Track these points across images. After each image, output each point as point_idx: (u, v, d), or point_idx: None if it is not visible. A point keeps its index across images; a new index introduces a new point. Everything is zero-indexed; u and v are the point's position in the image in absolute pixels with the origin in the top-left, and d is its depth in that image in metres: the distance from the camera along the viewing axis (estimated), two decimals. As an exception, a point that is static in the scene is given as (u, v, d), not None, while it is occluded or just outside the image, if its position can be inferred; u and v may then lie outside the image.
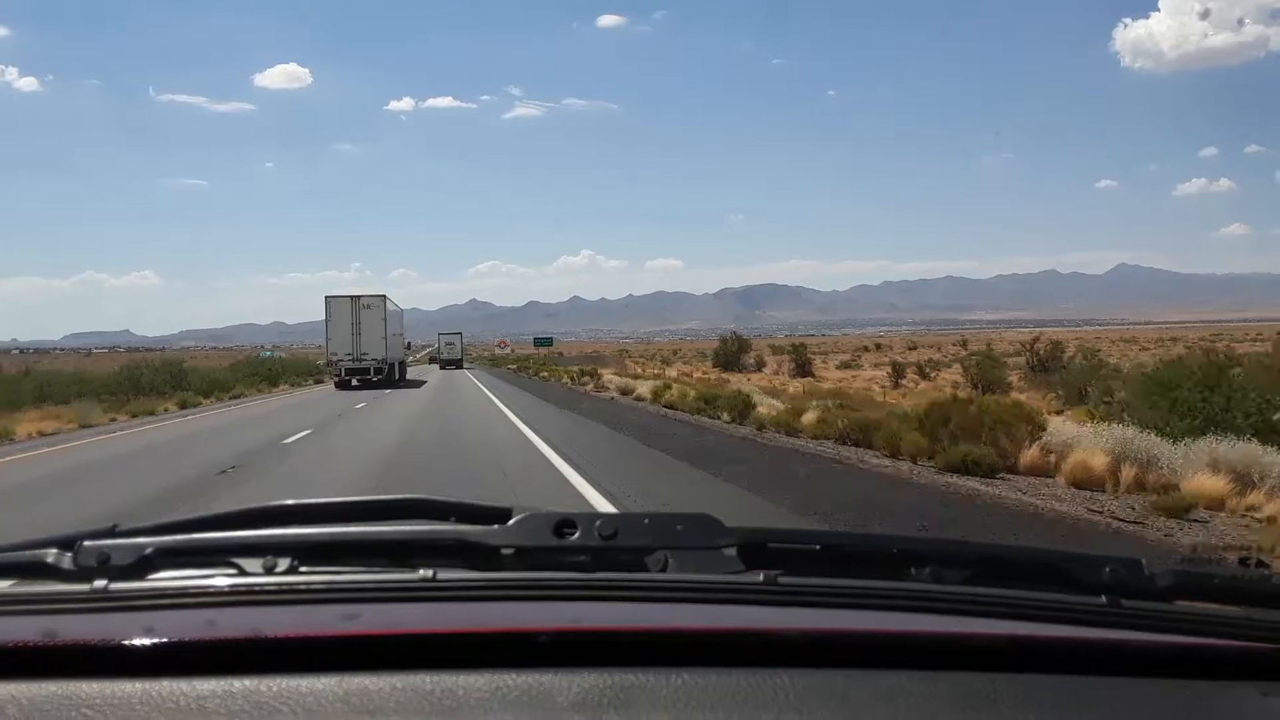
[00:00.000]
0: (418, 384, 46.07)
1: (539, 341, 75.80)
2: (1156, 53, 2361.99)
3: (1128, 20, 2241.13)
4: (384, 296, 44.31)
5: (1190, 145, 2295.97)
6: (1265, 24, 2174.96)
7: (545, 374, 54.96)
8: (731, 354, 69.84)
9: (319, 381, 53.82)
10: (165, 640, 1.04)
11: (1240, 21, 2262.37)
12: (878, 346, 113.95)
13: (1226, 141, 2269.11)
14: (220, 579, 1.20)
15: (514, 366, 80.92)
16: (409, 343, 67.78)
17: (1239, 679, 1.11)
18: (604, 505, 9.01)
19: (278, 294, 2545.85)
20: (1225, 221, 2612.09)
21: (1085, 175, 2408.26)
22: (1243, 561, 1.34)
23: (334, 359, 42.81)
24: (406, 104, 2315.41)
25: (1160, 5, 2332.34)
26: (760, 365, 68.41)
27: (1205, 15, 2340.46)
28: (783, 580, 1.16)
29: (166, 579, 1.20)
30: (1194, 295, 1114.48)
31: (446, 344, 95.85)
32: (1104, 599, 1.17)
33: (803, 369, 59.41)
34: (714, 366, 66.75)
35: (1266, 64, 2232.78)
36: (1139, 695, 1.06)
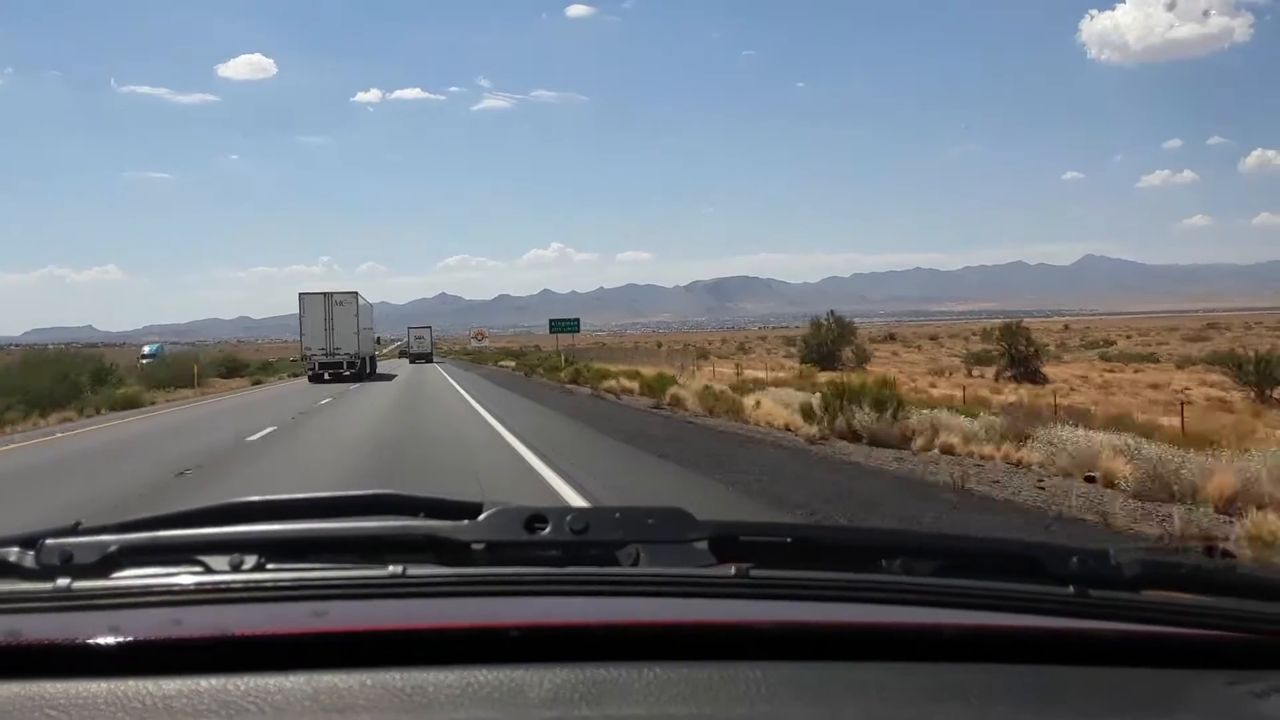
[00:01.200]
0: (388, 377, 46.17)
1: (560, 326, 47.94)
2: (1122, 45, 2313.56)
3: (1094, 12, 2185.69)
4: (355, 293, 45.98)
5: (1154, 137, 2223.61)
6: (1230, 15, 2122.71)
7: (613, 382, 28.24)
8: (827, 345, 50.64)
9: (149, 403, 29.47)
10: (130, 639, 1.03)
11: (1205, 13, 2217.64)
12: (891, 337, 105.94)
13: (1190, 133, 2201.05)
14: (186, 577, 1.18)
15: (512, 364, 59.34)
16: (379, 337, 67.58)
17: (1206, 668, 1.12)
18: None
19: (244, 288, 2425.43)
20: (1188, 213, 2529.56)
21: (1052, 167, 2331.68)
22: (1208, 551, 1.35)
23: (308, 353, 44.62)
24: (374, 95, 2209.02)
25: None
26: (862, 359, 49.86)
27: (1171, 6, 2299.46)
28: (754, 573, 1.16)
29: (131, 577, 1.18)
30: (1158, 285, 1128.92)
31: (416, 338, 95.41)
32: (1072, 589, 1.18)
33: (1029, 369, 38.44)
34: (802, 363, 48.24)
35: (1230, 56, 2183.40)
36: (1108, 685, 1.07)
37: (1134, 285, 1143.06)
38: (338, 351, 44.06)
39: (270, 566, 1.20)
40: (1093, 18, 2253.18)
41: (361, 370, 44.93)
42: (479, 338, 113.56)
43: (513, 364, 60.77)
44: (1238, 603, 1.21)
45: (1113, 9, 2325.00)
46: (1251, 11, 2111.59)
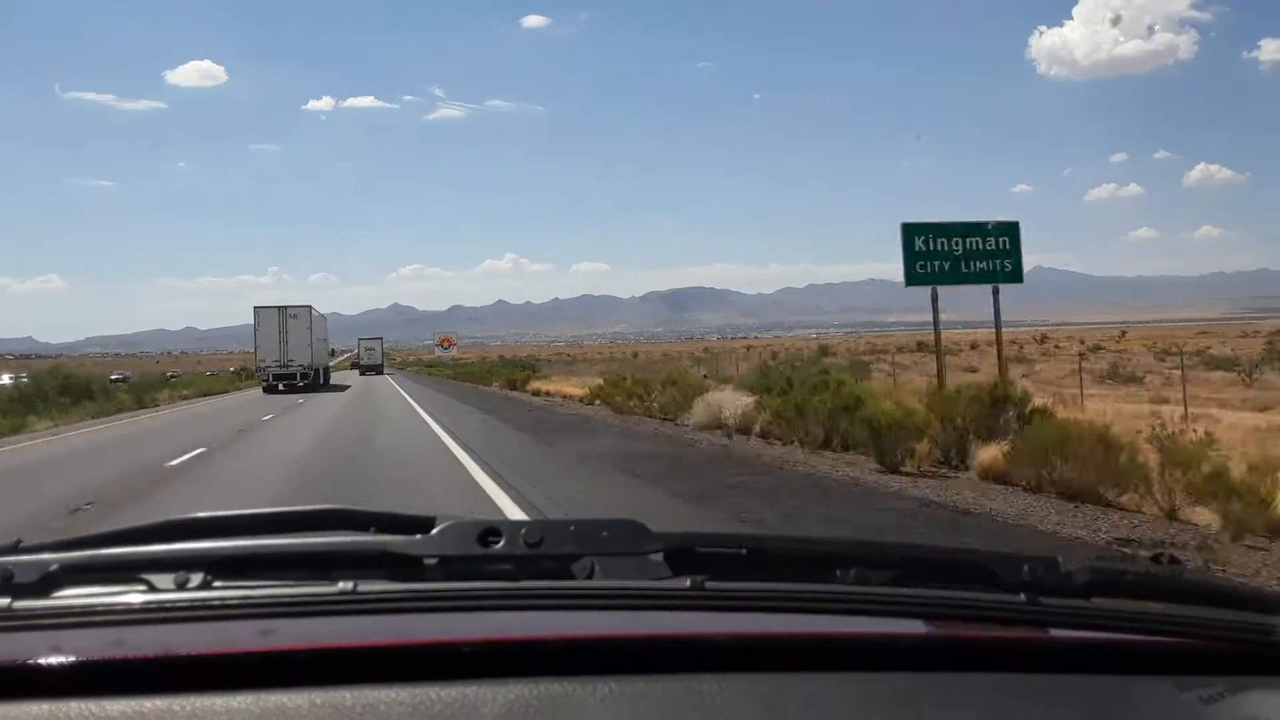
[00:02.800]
0: (342, 388, 46.97)
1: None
2: (1071, 60, 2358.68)
3: (1043, 28, 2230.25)
4: (309, 307, 47.52)
5: (1102, 151, 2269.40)
6: (1174, 32, 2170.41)
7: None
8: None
9: None
10: (73, 660, 1.00)
11: (1150, 29, 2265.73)
12: (903, 349, 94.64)
13: (1136, 148, 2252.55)
14: (130, 596, 1.15)
15: (581, 394, 28.95)
16: (332, 349, 67.75)
17: (1155, 673, 1.13)
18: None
19: (191, 299, 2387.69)
20: (1134, 225, 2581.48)
21: (1002, 180, 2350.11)
22: (1155, 559, 1.38)
23: (262, 365, 45.73)
24: (326, 103, 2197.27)
25: (1074, 14, 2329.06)
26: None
27: (1117, 21, 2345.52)
28: (709, 585, 1.16)
29: (73, 596, 1.16)
30: (1105, 296, 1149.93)
31: (366, 349, 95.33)
32: (1023, 597, 1.19)
33: None
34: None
35: (1174, 72, 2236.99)
36: (1060, 691, 1.08)
37: (1082, 296, 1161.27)
38: (291, 363, 45.16)
39: (216, 584, 1.18)
40: (1041, 33, 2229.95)
41: (315, 381, 46.21)
42: (445, 345, 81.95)
43: (583, 391, 29.52)
44: (1184, 609, 1.23)
45: (1061, 25, 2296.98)
46: (1195, 28, 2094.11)
